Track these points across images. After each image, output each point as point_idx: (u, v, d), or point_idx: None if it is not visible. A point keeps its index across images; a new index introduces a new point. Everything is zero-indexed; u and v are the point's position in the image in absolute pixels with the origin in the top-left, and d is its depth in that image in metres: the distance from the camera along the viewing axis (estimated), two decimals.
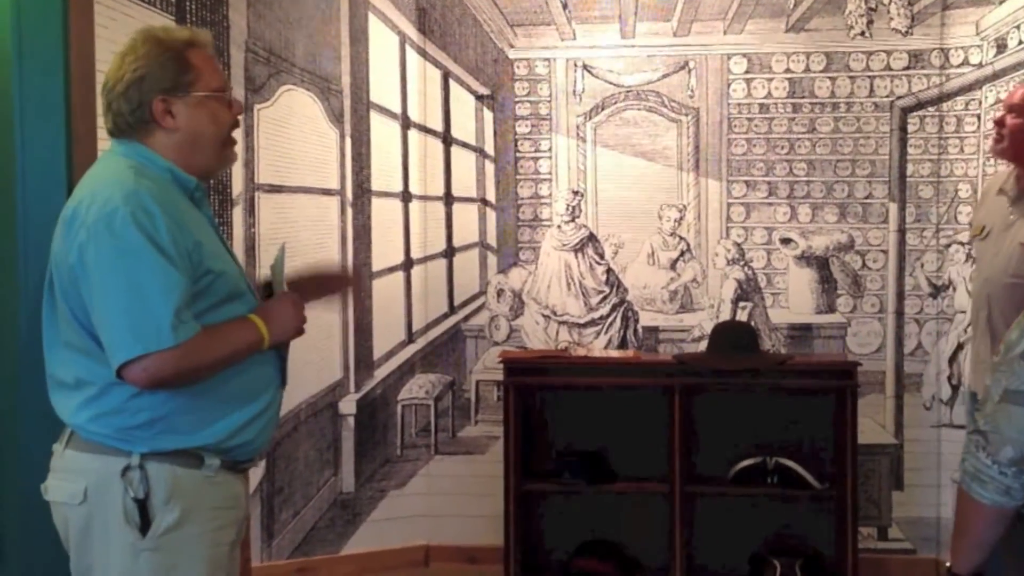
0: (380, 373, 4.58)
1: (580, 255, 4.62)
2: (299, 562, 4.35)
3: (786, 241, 4.56)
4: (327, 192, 4.41)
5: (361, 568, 4.46)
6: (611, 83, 4.60)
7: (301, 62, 4.32)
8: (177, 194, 2.20)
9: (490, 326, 4.67)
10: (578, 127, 4.62)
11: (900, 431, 4.47)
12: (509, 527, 4.12)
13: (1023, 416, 1.94)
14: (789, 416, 4.18)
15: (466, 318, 4.70)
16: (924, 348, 4.48)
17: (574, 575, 4.16)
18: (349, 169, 4.46)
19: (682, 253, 4.60)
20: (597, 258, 4.61)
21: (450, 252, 4.72)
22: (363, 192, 4.50)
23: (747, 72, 4.55)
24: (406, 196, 4.64)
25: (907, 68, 4.45)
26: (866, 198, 4.51)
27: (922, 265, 4.46)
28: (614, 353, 4.42)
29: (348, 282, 2.82)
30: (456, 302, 4.73)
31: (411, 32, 4.60)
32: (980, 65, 4.35)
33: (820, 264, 4.54)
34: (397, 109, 4.62)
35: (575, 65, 4.61)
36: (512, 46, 4.63)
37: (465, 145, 4.71)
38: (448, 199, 4.70)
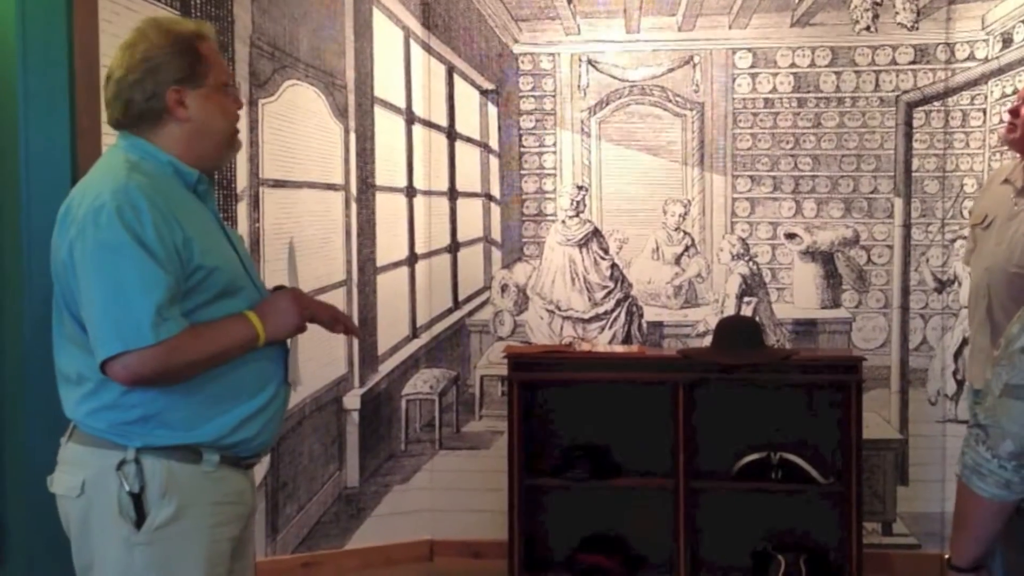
0: (384, 368, 4.58)
1: (584, 250, 4.61)
2: (303, 557, 4.36)
3: (791, 236, 4.55)
4: (331, 187, 4.41)
5: (365, 563, 4.46)
6: (616, 78, 4.59)
7: (305, 57, 4.31)
8: (177, 188, 2.19)
9: (494, 321, 4.67)
10: (582, 122, 4.62)
11: (905, 426, 4.47)
12: (513, 522, 4.12)
13: (1023, 410, 1.93)
14: (794, 411, 4.18)
15: (470, 313, 4.70)
16: (929, 343, 4.48)
17: (578, 570, 4.16)
18: (353, 164, 4.46)
19: (687, 248, 4.59)
20: (601, 253, 4.61)
21: (454, 247, 4.72)
22: (367, 187, 4.50)
23: (752, 67, 4.55)
24: (410, 191, 4.64)
25: (913, 63, 4.43)
26: (871, 193, 4.50)
27: (927, 260, 4.45)
28: (618, 348, 4.42)
29: (348, 332, 2.69)
30: (460, 297, 4.73)
31: (415, 27, 4.60)
32: (986, 60, 4.34)
33: (825, 259, 4.53)
34: (401, 104, 4.61)
35: (580, 60, 4.60)
36: (516, 41, 4.63)
37: (469, 140, 4.70)
38: (452, 194, 4.70)
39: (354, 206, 4.46)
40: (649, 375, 4.19)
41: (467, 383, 4.69)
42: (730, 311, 4.51)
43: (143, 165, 2.16)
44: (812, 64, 4.51)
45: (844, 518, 4.06)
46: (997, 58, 4.30)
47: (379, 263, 4.54)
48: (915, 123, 4.44)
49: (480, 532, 4.50)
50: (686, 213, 4.58)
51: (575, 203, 4.61)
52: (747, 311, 4.53)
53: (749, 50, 4.54)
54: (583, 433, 4.25)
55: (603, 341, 4.56)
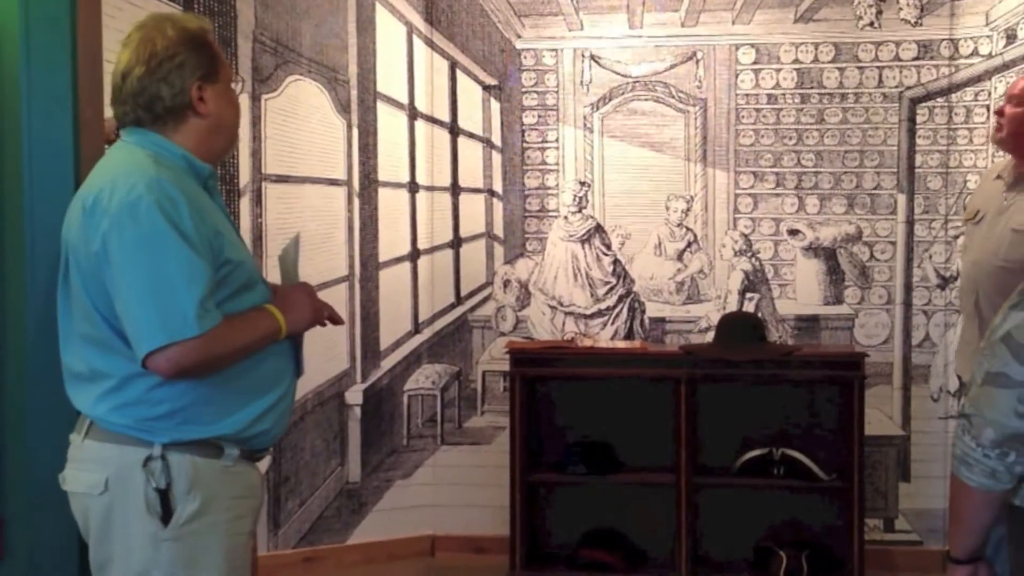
0: (386, 363, 4.58)
1: (587, 246, 4.61)
2: (305, 551, 4.36)
3: (794, 232, 4.55)
4: (334, 182, 4.41)
5: (367, 558, 4.47)
6: (618, 73, 4.59)
7: (308, 52, 4.31)
8: (193, 183, 2.19)
9: (496, 317, 4.67)
10: (585, 118, 4.61)
11: (907, 423, 4.47)
12: (515, 517, 4.12)
13: (1003, 398, 1.95)
14: (796, 407, 4.18)
15: (472, 309, 4.70)
16: (932, 340, 4.48)
17: (580, 565, 4.17)
18: (356, 159, 4.46)
19: (689, 244, 4.59)
20: (604, 249, 4.61)
21: (457, 243, 4.72)
22: (370, 182, 4.50)
23: (755, 62, 4.54)
24: (413, 186, 4.64)
25: (916, 58, 4.43)
26: (874, 189, 4.50)
27: (930, 256, 4.45)
28: (620, 344, 4.42)
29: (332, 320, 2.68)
30: (463, 293, 4.73)
31: (418, 22, 4.60)
32: (990, 55, 4.33)
33: (828, 255, 4.53)
34: (404, 99, 4.61)
35: (582, 55, 4.60)
36: (519, 36, 4.62)
37: (472, 136, 4.70)
38: (455, 189, 4.70)
39: (356, 201, 4.46)
40: (651, 371, 4.19)
41: (469, 379, 4.69)
42: (732, 307, 4.51)
43: (162, 159, 2.16)
44: (815, 60, 4.50)
45: (846, 514, 4.07)
46: (1001, 54, 4.30)
47: (381, 258, 4.54)
48: (918, 119, 4.44)
49: (482, 527, 4.50)
50: (689, 209, 4.58)
51: (577, 199, 4.61)
52: (749, 307, 4.53)
53: (752, 46, 4.54)
54: (585, 429, 4.25)
55: (605, 337, 4.56)
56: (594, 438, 4.22)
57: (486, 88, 4.68)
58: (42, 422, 2.86)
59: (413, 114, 4.63)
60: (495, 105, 4.68)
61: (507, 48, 4.64)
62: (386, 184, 4.55)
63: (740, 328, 4.14)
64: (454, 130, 4.70)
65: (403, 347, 4.64)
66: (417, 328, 4.66)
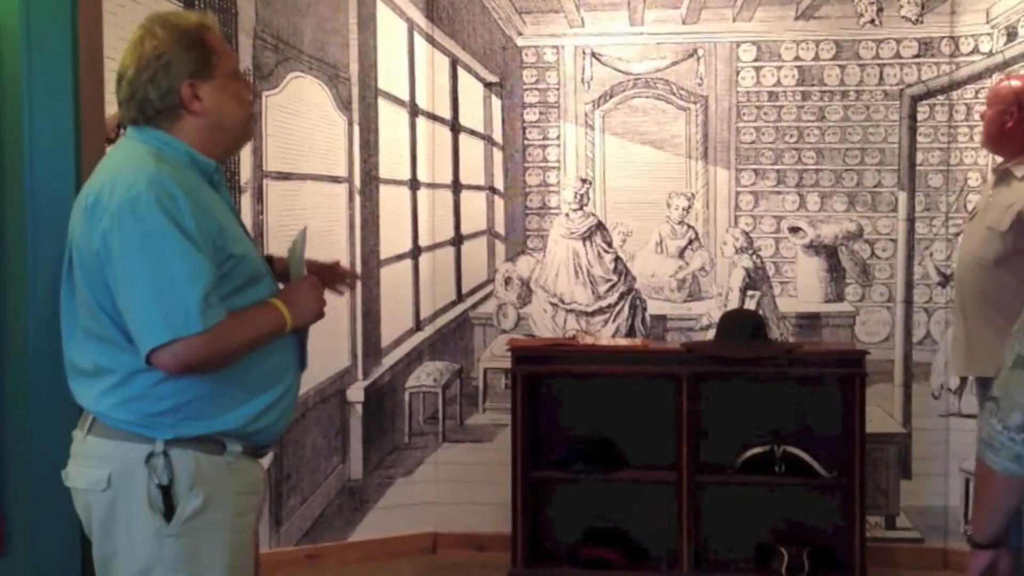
0: (388, 361, 4.59)
1: (588, 243, 4.61)
2: (307, 549, 4.37)
3: (795, 230, 4.55)
4: (335, 180, 4.41)
5: (369, 555, 4.47)
6: (620, 71, 4.59)
7: (309, 49, 4.31)
8: (197, 178, 2.19)
9: (498, 314, 4.67)
10: (586, 115, 4.61)
11: (908, 420, 4.47)
12: (517, 515, 4.12)
13: None
14: (797, 405, 4.18)
15: (474, 306, 4.70)
16: (933, 337, 4.48)
17: (582, 563, 4.17)
18: (357, 156, 4.46)
19: (690, 241, 4.59)
20: (605, 246, 4.61)
21: (458, 240, 4.72)
22: (371, 180, 4.50)
23: (756, 60, 4.54)
24: (414, 184, 4.64)
25: (917, 56, 4.43)
26: (875, 186, 4.50)
27: (931, 254, 4.45)
28: (622, 341, 4.42)
29: (353, 276, 2.83)
30: (464, 290, 4.73)
31: (419, 19, 4.59)
32: (990, 53, 4.33)
33: (829, 253, 4.53)
34: (405, 96, 4.61)
35: (583, 53, 4.60)
36: (520, 33, 4.62)
37: (473, 133, 4.70)
38: (456, 187, 4.70)
39: (358, 199, 4.46)
40: (652, 368, 4.19)
41: (471, 376, 4.69)
42: (734, 305, 4.51)
43: (164, 155, 2.16)
44: (816, 57, 4.50)
45: (847, 512, 4.07)
46: (1002, 52, 4.30)
47: (383, 256, 4.54)
48: (919, 116, 4.44)
49: (483, 525, 4.51)
50: (690, 206, 4.58)
51: (579, 196, 4.61)
52: (751, 305, 4.53)
53: (753, 43, 4.53)
54: (587, 426, 4.25)
55: (606, 334, 4.56)
56: (596, 435, 4.22)
57: (487, 85, 4.68)
58: (43, 420, 2.86)
59: (414, 111, 4.63)
60: (496, 102, 4.68)
61: (508, 45, 4.64)
62: (387, 181, 4.55)
63: (741, 326, 4.14)
64: (455, 127, 4.70)
65: (404, 344, 4.64)
66: (418, 325, 4.67)
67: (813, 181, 4.53)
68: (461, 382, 4.69)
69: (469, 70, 4.67)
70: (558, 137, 4.63)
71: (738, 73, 4.56)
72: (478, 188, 4.70)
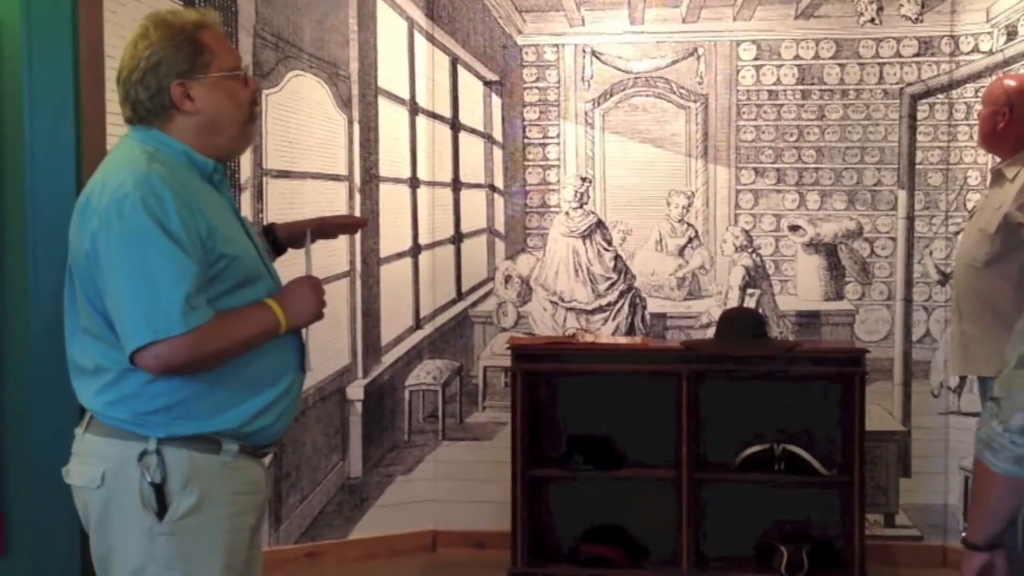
0: (388, 359, 4.59)
1: (588, 242, 4.62)
2: (307, 547, 4.37)
3: (794, 228, 4.55)
4: (335, 178, 4.41)
5: (368, 553, 4.48)
6: (620, 69, 4.59)
7: (309, 47, 4.31)
8: (193, 178, 2.19)
9: (498, 312, 4.67)
10: (586, 113, 4.61)
11: (908, 418, 4.47)
12: (516, 513, 4.12)
13: None
14: (797, 403, 4.18)
15: (474, 304, 4.70)
16: (932, 336, 4.48)
17: (581, 561, 4.17)
18: (357, 155, 4.46)
19: (690, 240, 4.60)
20: (605, 245, 4.61)
21: (458, 238, 4.72)
22: (371, 178, 4.50)
23: (756, 59, 4.54)
24: (414, 182, 4.64)
25: (917, 55, 4.43)
26: (875, 185, 4.50)
27: (931, 252, 4.46)
28: (622, 339, 4.42)
29: (360, 223, 3.20)
30: (464, 288, 4.73)
31: (419, 17, 4.59)
32: (990, 52, 4.33)
33: (828, 251, 4.53)
34: (405, 95, 4.61)
35: (583, 51, 4.60)
36: (520, 32, 4.62)
37: (473, 131, 4.70)
38: (456, 185, 4.70)
39: (358, 197, 4.46)
40: (652, 367, 4.19)
41: (470, 374, 4.69)
42: (733, 303, 4.52)
43: (160, 155, 2.15)
44: (816, 56, 4.50)
45: (847, 510, 4.08)
46: (1002, 51, 4.30)
47: (383, 254, 4.54)
48: (919, 115, 4.44)
49: (483, 523, 4.51)
50: (690, 205, 4.58)
51: (579, 194, 4.61)
52: (750, 303, 4.53)
53: (753, 42, 4.53)
54: (586, 424, 4.25)
55: (606, 332, 4.56)
56: (595, 433, 4.22)
57: (487, 84, 4.68)
58: (43, 419, 2.87)
59: (414, 109, 4.63)
60: (496, 101, 4.68)
61: (508, 44, 4.64)
62: (387, 180, 4.55)
63: (741, 324, 4.14)
64: (455, 126, 4.70)
65: (404, 343, 4.64)
66: (418, 324, 4.67)
67: (813, 179, 4.53)
68: (461, 380, 4.69)
69: (469, 68, 4.67)
70: (558, 136, 4.63)
71: (738, 72, 4.56)
72: (478, 186, 4.71)
